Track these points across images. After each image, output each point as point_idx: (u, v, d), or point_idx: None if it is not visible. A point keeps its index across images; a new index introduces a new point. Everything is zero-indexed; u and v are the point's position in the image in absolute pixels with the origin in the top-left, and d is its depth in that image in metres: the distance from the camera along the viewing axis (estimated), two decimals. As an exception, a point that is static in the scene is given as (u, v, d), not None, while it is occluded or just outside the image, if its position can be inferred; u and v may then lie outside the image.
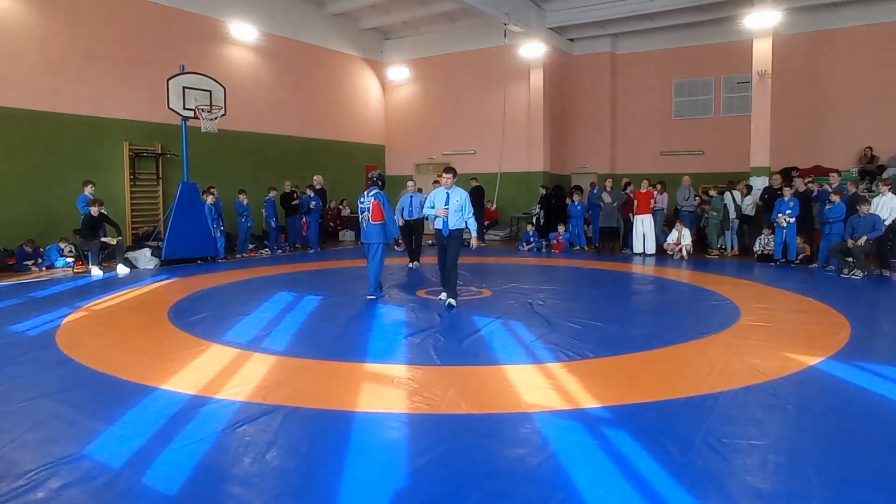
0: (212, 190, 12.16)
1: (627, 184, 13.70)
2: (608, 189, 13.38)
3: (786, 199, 10.96)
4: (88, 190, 10.70)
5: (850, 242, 9.54)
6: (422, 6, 16.72)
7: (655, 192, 13.02)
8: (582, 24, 16.08)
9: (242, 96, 14.50)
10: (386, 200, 7.65)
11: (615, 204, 13.18)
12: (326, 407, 3.92)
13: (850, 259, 9.56)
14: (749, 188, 13.05)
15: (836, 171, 12.10)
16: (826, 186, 11.14)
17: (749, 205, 12.76)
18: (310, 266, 11.32)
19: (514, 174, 16.74)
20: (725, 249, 12.81)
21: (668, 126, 16.96)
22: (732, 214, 12.51)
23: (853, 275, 9.39)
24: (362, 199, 7.72)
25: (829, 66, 14.66)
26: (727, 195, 12.62)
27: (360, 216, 7.75)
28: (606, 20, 15.64)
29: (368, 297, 7.70)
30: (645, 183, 12.63)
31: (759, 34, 13.60)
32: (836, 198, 10.24)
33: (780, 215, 10.93)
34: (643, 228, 12.47)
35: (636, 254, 12.52)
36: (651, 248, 12.44)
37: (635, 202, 12.69)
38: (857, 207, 9.81)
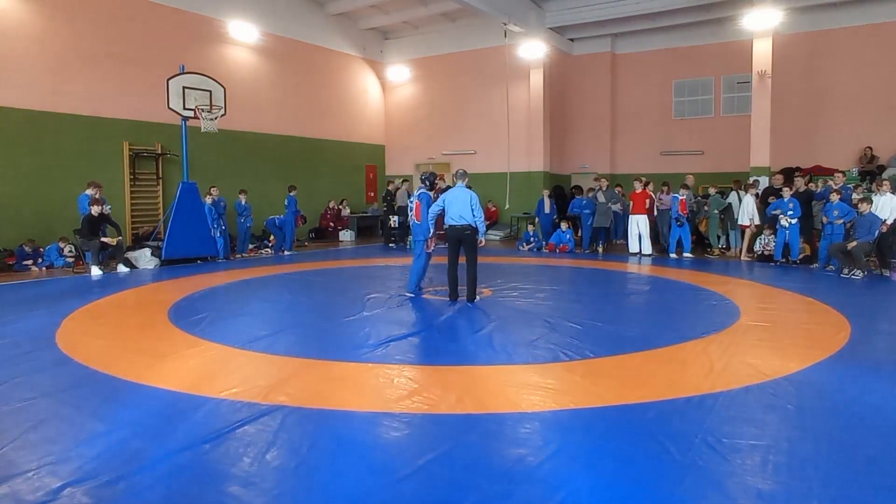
0: (211, 190, 12.19)
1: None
2: (602, 189, 13.38)
3: (785, 199, 10.94)
4: (91, 191, 10.62)
5: (849, 245, 9.55)
6: (422, 6, 16.73)
7: (661, 193, 13.00)
8: (582, 24, 16.08)
9: (242, 96, 14.51)
10: (427, 201, 7.88)
11: (608, 204, 13.19)
12: (326, 407, 3.91)
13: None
14: (751, 188, 13.03)
15: (841, 171, 12.07)
16: (830, 183, 11.11)
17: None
18: (310, 266, 11.32)
19: (514, 174, 16.73)
20: (729, 249, 12.82)
21: (668, 126, 16.97)
22: (736, 214, 12.50)
23: (853, 275, 9.39)
24: (411, 200, 8.10)
25: (829, 66, 14.66)
26: (733, 195, 12.62)
27: (409, 215, 8.14)
28: (606, 20, 15.64)
29: (407, 295, 7.88)
30: (637, 184, 12.58)
31: (759, 34, 13.61)
32: (835, 196, 10.23)
33: (781, 216, 10.91)
34: (638, 229, 12.46)
35: (632, 254, 12.52)
36: (647, 248, 12.43)
37: (630, 203, 12.69)
38: (857, 207, 9.80)
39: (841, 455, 3.15)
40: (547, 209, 14.58)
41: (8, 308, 7.25)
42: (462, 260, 7.55)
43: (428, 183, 8.01)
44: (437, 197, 7.88)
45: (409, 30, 18.75)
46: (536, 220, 14.96)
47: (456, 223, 7.36)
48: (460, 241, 7.44)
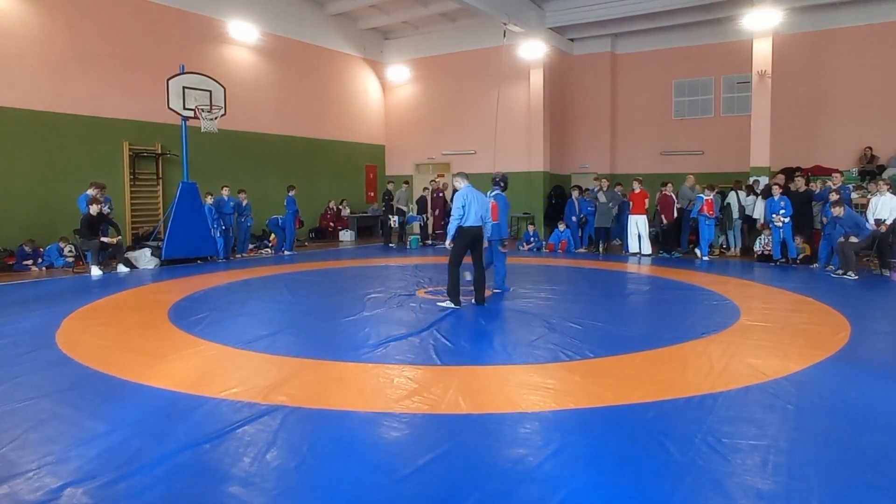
0: (222, 190, 12.32)
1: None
2: (604, 189, 13.38)
3: (776, 198, 10.93)
4: (92, 191, 10.58)
5: (842, 240, 9.55)
6: (422, 6, 16.73)
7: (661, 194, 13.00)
8: (582, 24, 16.08)
9: (242, 96, 14.51)
10: (504, 202, 8.03)
11: (610, 204, 13.19)
12: (326, 407, 3.91)
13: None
14: (750, 188, 13.04)
15: (839, 171, 12.08)
16: (829, 184, 11.11)
17: (749, 204, 12.75)
18: (310, 266, 11.32)
19: (514, 174, 16.66)
20: (729, 249, 12.82)
21: (668, 126, 16.96)
22: (735, 214, 12.51)
23: (846, 275, 9.34)
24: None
25: (829, 66, 14.66)
26: (731, 195, 12.61)
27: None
28: (606, 20, 15.64)
29: (495, 291, 8.04)
30: (636, 184, 12.56)
31: (759, 34, 13.61)
32: (835, 196, 10.22)
33: (773, 215, 10.93)
34: (638, 229, 12.45)
35: (632, 254, 12.52)
36: (647, 248, 12.42)
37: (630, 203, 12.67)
38: (831, 208, 9.79)
39: (841, 455, 3.15)
40: (577, 210, 14.07)
41: (8, 308, 7.25)
42: (466, 260, 7.38)
43: (503, 184, 8.23)
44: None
45: (409, 30, 18.75)
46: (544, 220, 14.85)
47: (475, 224, 7.10)
48: (474, 241, 7.18)
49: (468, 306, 7.16)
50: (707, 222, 11.92)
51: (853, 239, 9.42)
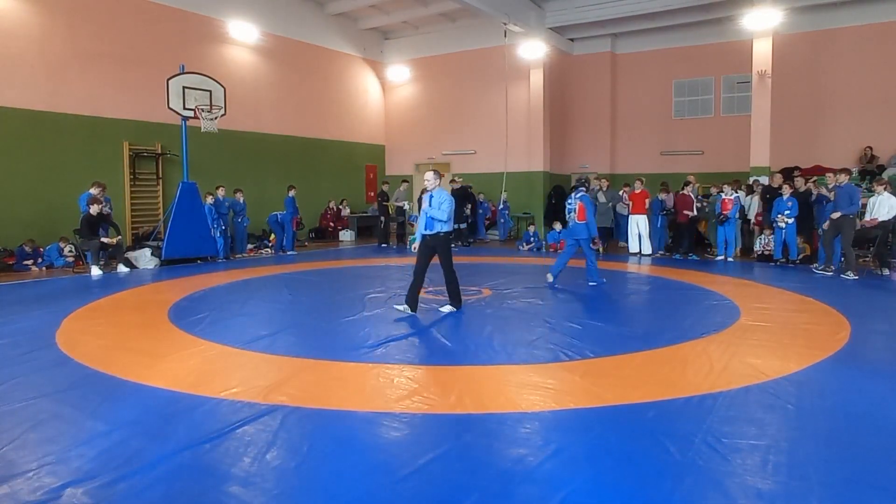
0: (217, 190, 12.29)
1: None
2: (603, 189, 13.38)
3: (784, 198, 10.93)
4: (94, 190, 10.54)
5: (833, 216, 9.64)
6: (422, 6, 16.73)
7: (662, 193, 12.99)
8: (582, 24, 16.08)
9: (242, 96, 14.51)
10: (589, 202, 8.37)
11: (610, 204, 13.19)
12: (326, 407, 3.91)
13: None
14: (750, 188, 13.02)
15: (834, 171, 12.05)
16: (823, 189, 11.09)
17: (749, 204, 12.73)
18: (310, 266, 11.32)
19: (514, 174, 16.72)
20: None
21: (668, 126, 16.97)
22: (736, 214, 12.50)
23: (846, 275, 9.34)
24: (570, 201, 8.59)
25: (829, 66, 14.66)
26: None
27: (568, 216, 8.70)
28: (606, 20, 15.63)
29: (591, 284, 8.66)
30: (638, 183, 12.56)
31: (759, 34, 13.61)
32: (834, 194, 10.23)
33: (779, 216, 10.91)
34: (638, 229, 12.45)
35: (632, 254, 12.52)
36: (647, 248, 12.42)
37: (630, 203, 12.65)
38: (837, 175, 9.96)
39: (841, 455, 3.15)
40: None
41: (8, 308, 7.24)
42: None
43: (587, 185, 8.73)
44: (422, 196, 7.36)
45: (409, 30, 18.75)
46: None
47: (451, 229, 7.03)
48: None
49: (467, 307, 7.16)
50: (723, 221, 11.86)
51: (840, 213, 9.48)
